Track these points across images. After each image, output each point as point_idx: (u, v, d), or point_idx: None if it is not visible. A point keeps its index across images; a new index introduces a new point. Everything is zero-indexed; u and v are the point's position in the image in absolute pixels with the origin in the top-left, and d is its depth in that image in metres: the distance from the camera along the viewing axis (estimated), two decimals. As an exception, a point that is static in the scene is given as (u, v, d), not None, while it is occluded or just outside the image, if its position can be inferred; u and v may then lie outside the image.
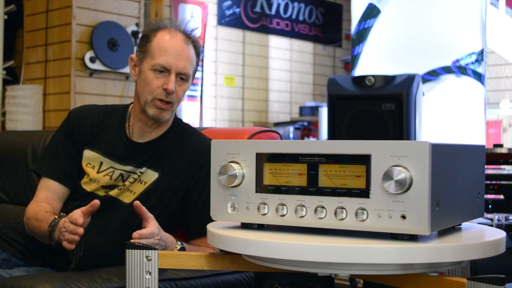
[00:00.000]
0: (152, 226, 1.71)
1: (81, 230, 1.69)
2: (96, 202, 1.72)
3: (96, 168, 1.99)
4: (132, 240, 1.68)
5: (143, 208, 1.74)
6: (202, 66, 7.19)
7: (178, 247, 1.81)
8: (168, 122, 2.03)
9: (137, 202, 1.74)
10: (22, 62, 4.76)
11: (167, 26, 1.98)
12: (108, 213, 1.94)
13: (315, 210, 1.29)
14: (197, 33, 2.03)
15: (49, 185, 2.00)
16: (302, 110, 7.84)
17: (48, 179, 2.01)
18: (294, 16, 8.40)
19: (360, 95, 3.49)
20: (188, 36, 1.98)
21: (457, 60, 4.14)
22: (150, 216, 1.74)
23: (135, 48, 2.14)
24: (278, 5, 8.22)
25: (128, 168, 1.98)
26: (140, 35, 2.07)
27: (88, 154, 2.01)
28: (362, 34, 4.37)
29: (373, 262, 1.19)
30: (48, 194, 1.99)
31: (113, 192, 1.96)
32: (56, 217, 1.82)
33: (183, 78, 1.96)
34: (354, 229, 1.27)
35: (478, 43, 4.17)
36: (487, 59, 5.43)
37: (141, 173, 1.97)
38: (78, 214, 1.70)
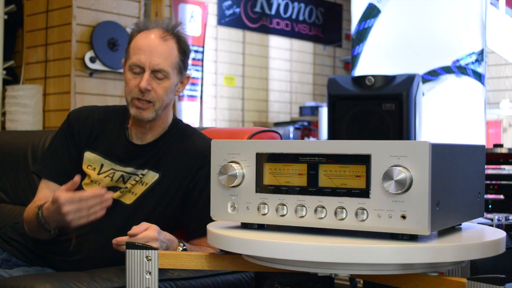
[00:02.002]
0: (151, 229, 1.71)
1: (109, 195, 1.72)
2: (76, 180, 1.72)
3: (97, 170, 1.99)
4: (114, 242, 1.69)
5: (134, 230, 1.70)
6: (202, 66, 7.20)
7: (181, 249, 1.80)
8: (165, 123, 2.02)
9: (130, 232, 1.71)
10: (22, 62, 4.75)
11: (148, 26, 1.96)
12: (109, 214, 1.93)
13: (315, 210, 1.29)
14: (181, 28, 1.99)
15: (49, 186, 2.00)
16: (302, 110, 7.85)
17: (48, 181, 2.01)
18: (294, 16, 8.40)
19: (360, 95, 3.49)
20: (168, 31, 1.95)
21: (457, 60, 4.14)
22: (147, 226, 1.72)
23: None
24: (278, 5, 8.23)
25: (129, 169, 1.98)
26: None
27: (88, 156, 2.01)
28: (362, 34, 4.37)
29: (373, 262, 1.19)
30: (47, 193, 1.98)
31: (115, 195, 1.96)
32: (38, 210, 1.82)
33: (160, 76, 1.92)
34: (354, 229, 1.27)
35: (478, 43, 4.17)
36: (487, 59, 5.44)
37: (143, 175, 1.96)
38: (70, 194, 1.70)
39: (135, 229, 1.69)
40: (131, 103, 1.94)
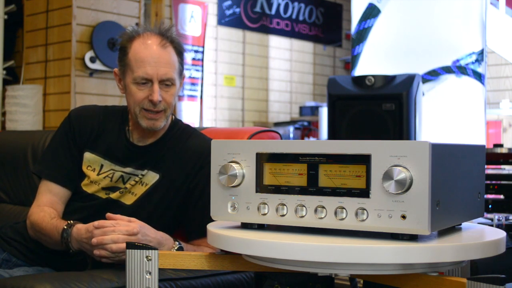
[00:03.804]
0: (134, 222, 1.74)
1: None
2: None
3: (97, 170, 1.99)
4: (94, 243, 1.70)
5: (115, 216, 1.75)
6: (202, 66, 7.20)
7: (176, 247, 1.80)
8: (166, 124, 2.02)
9: (108, 215, 1.76)
10: (22, 62, 4.76)
11: (140, 32, 1.94)
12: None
13: (315, 210, 1.29)
14: (174, 31, 1.98)
15: (51, 188, 2.00)
16: (302, 110, 7.85)
17: (49, 182, 2.00)
18: (294, 16, 8.40)
19: (360, 95, 3.49)
20: (165, 37, 1.93)
21: (457, 60, 4.14)
22: (130, 219, 1.75)
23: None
24: (278, 5, 8.23)
25: (128, 169, 1.97)
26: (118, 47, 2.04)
27: (88, 156, 2.01)
28: (362, 34, 4.37)
29: (373, 262, 1.19)
30: (50, 197, 1.98)
31: (114, 195, 1.96)
32: (65, 227, 1.82)
33: (168, 83, 1.92)
34: (354, 229, 1.27)
35: (478, 43, 4.17)
36: (487, 59, 5.44)
37: (142, 175, 1.96)
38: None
39: (117, 216, 1.74)
40: (141, 115, 1.92)
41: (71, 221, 1.84)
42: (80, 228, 1.78)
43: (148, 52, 1.90)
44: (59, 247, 1.86)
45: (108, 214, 1.76)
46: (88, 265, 1.89)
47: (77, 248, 1.81)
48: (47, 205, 1.96)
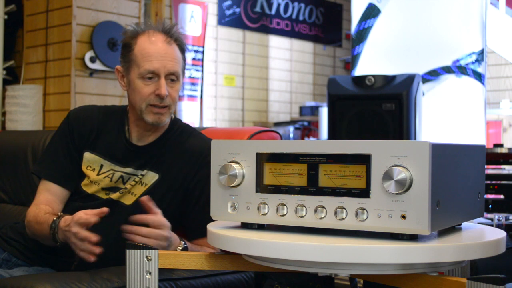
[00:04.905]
0: (165, 229, 1.74)
1: (94, 238, 1.70)
2: (105, 210, 1.73)
3: (97, 170, 1.99)
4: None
5: (151, 203, 1.74)
6: (202, 66, 7.19)
7: (181, 247, 1.81)
8: (166, 122, 2.02)
9: (145, 198, 1.74)
10: (22, 62, 4.75)
11: (144, 29, 1.97)
12: (109, 215, 1.93)
13: (315, 210, 1.29)
14: (177, 29, 2.00)
15: (49, 187, 2.00)
16: (302, 110, 7.85)
17: (48, 182, 2.01)
18: (294, 16, 8.40)
19: (360, 95, 3.49)
20: (170, 35, 1.96)
21: (457, 60, 4.14)
22: (158, 211, 1.74)
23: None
24: (278, 5, 8.23)
25: (128, 170, 1.98)
26: (120, 44, 2.06)
27: (88, 156, 2.01)
28: (362, 34, 4.37)
29: (373, 262, 1.19)
30: (48, 196, 1.99)
31: (114, 195, 1.96)
32: (55, 218, 1.83)
33: (174, 78, 1.94)
34: (354, 229, 1.27)
35: (478, 43, 4.17)
36: (487, 59, 5.44)
37: (142, 175, 1.96)
38: (85, 216, 1.70)
39: (152, 218, 1.72)
40: (147, 110, 1.93)
41: (61, 213, 1.84)
42: (68, 217, 1.78)
43: (155, 47, 1.92)
44: (49, 241, 1.86)
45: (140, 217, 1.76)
46: (75, 262, 1.89)
47: (62, 239, 1.80)
48: (44, 203, 1.96)
